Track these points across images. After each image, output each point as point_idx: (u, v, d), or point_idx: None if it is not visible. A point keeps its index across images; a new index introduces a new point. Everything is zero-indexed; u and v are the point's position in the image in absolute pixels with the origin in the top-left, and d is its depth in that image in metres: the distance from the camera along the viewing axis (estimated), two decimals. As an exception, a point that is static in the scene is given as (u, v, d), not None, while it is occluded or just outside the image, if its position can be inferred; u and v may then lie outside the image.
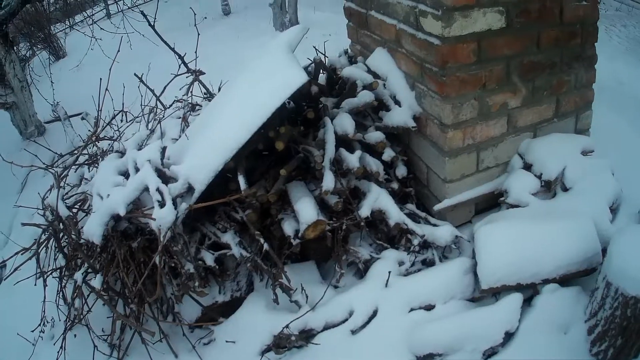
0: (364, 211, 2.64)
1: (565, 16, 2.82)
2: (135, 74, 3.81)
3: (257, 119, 2.44)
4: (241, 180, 2.50)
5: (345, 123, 2.73)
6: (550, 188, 2.78)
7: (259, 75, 2.80)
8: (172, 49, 4.04)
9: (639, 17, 8.20)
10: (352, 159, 2.67)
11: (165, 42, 4.17)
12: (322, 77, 3.24)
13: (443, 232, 2.71)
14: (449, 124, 2.62)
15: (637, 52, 6.08)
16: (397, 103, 2.93)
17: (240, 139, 2.43)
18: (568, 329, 2.30)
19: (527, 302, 2.40)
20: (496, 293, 2.45)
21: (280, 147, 2.59)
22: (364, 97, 2.89)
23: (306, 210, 2.51)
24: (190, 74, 3.84)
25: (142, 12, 4.86)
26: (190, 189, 2.49)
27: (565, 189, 2.77)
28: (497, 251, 2.42)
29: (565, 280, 2.43)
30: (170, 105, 3.75)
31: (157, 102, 3.89)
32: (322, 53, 3.55)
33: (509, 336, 2.29)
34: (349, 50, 3.65)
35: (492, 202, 2.88)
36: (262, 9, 9.77)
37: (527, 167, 2.86)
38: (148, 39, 4.55)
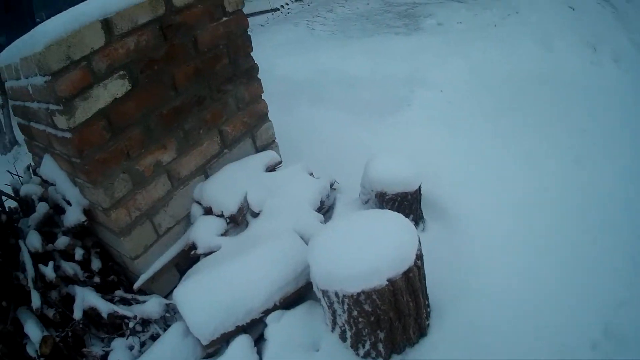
0: (77, 314, 2.62)
1: (201, 44, 2.83)
2: None
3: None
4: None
5: (33, 241, 2.70)
6: (237, 221, 2.78)
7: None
8: None
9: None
10: (48, 272, 2.65)
11: None
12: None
13: (152, 306, 2.72)
14: (109, 207, 2.58)
15: (346, 32, 6.19)
16: (69, 203, 2.87)
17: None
18: (318, 345, 2.28)
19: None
20: (227, 342, 2.40)
21: (-5, 286, 2.58)
22: (41, 209, 2.86)
23: (32, 331, 2.49)
24: None
25: None
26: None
27: (255, 215, 2.77)
28: (198, 305, 2.39)
29: (292, 302, 2.43)
30: None
31: None
32: (16, 174, 3.44)
33: (255, 377, 2.23)
34: (32, 164, 3.55)
35: (192, 259, 2.85)
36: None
37: (208, 211, 2.86)
38: None
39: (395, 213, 2.24)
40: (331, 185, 2.98)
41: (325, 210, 2.85)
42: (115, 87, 2.52)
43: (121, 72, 2.54)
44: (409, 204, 2.70)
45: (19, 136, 8.98)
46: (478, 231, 2.84)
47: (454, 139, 3.65)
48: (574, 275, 2.65)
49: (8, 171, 3.60)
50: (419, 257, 2.08)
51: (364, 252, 2.02)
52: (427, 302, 2.27)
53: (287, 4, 9.56)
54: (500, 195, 3.10)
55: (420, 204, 2.82)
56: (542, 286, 2.56)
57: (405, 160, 2.79)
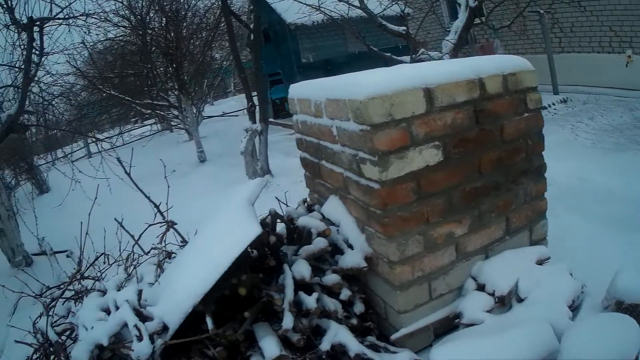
0: (324, 345, 2.76)
1: (506, 134, 2.94)
2: (115, 219, 4.03)
3: (218, 269, 2.63)
4: (209, 321, 2.66)
5: (302, 269, 2.90)
6: (504, 302, 2.85)
7: (221, 228, 3.02)
8: (148, 198, 4.20)
9: (606, 105, 8.50)
10: (310, 301, 2.82)
11: (141, 191, 4.33)
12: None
13: (402, 358, 2.80)
14: (396, 261, 2.71)
15: (603, 143, 6.42)
16: (350, 246, 3.05)
17: (204, 286, 2.63)
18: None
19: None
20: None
21: (243, 293, 2.77)
22: (319, 243, 3.06)
23: (269, 346, 2.65)
24: (164, 223, 3.97)
25: (118, 159, 5.05)
26: (165, 328, 2.68)
27: (520, 300, 2.85)
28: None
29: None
30: (148, 253, 3.86)
31: (135, 248, 4.00)
32: (283, 203, 3.73)
33: None
34: (308, 199, 3.79)
35: (451, 325, 2.93)
36: (235, 156, 10.26)
37: (481, 287, 2.94)
38: (127, 184, 4.74)
39: (630, 317, 2.50)
40: (582, 288, 3.02)
41: (573, 308, 2.89)
42: (429, 155, 2.68)
43: (436, 143, 2.69)
44: (637, 314, 2.76)
45: (271, 166, 9.38)
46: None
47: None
48: None
49: (276, 197, 3.90)
50: (637, 357, 2.31)
51: (601, 345, 2.34)
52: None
53: (554, 104, 9.78)
54: None
55: (644, 315, 2.95)
56: None
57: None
